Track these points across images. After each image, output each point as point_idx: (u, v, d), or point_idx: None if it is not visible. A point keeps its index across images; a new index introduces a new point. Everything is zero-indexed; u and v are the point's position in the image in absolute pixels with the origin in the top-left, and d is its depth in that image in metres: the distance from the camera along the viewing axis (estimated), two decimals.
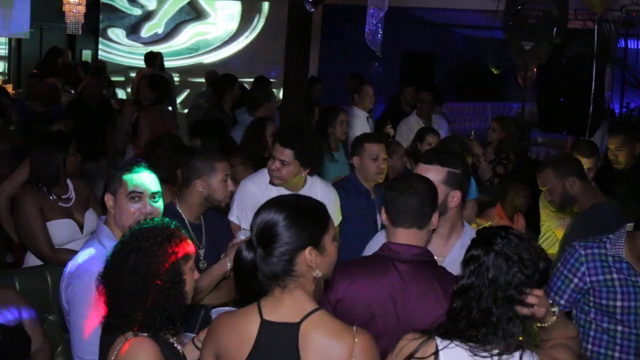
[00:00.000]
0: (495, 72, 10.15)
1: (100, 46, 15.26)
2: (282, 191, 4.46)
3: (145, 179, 3.36)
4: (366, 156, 5.19)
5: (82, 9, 11.53)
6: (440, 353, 2.51)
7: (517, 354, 2.48)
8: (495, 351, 2.47)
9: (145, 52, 12.73)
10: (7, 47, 14.50)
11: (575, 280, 3.69)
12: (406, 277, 3.01)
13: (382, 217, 3.26)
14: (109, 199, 3.34)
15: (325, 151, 6.08)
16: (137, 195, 3.31)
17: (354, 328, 2.45)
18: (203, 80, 14.17)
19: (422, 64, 14.67)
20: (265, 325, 2.44)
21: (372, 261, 3.15)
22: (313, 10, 4.38)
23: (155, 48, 14.31)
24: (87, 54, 15.23)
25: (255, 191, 4.58)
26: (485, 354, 2.47)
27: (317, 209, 2.56)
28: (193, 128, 6.39)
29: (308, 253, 2.45)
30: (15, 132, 7.31)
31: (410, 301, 2.98)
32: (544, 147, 11.37)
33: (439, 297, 2.94)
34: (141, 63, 12.93)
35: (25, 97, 8.91)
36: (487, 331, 2.47)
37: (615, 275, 3.62)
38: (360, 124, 8.13)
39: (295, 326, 2.42)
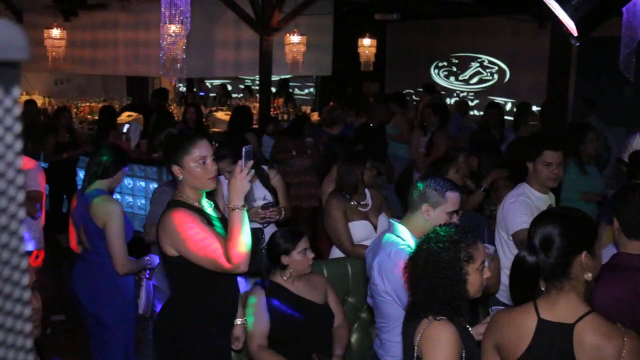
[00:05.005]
0: None
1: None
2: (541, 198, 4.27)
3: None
4: None
5: (372, 50, 11.95)
6: None
7: None
8: None
9: None
10: (314, 83, 15.40)
11: None
12: None
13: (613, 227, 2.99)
14: (428, 209, 3.31)
15: (578, 165, 5.79)
16: (456, 211, 3.34)
17: (623, 328, 2.26)
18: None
19: None
20: (542, 323, 2.31)
21: (615, 271, 2.90)
22: (578, 44, 4.13)
23: None
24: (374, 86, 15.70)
25: (530, 202, 4.27)
26: None
27: (588, 220, 2.45)
28: (473, 147, 6.32)
29: (584, 256, 2.32)
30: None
31: None
32: None
33: None
34: None
35: (321, 124, 9.32)
36: None
37: None
38: None
39: (571, 327, 2.27)
